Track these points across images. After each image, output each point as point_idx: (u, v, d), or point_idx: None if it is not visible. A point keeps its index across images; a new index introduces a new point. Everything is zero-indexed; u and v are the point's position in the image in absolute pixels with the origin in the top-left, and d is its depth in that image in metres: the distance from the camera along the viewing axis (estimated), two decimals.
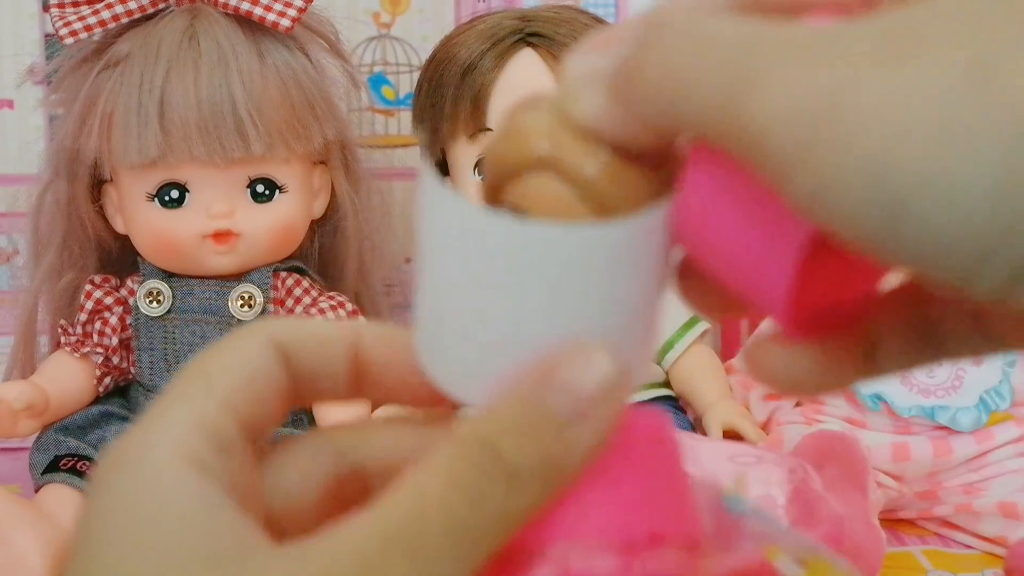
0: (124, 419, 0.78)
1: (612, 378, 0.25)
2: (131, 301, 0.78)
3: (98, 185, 0.79)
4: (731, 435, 0.78)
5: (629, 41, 0.24)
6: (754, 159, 0.21)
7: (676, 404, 0.85)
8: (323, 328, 0.29)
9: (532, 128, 0.26)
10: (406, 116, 0.91)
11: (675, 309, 0.83)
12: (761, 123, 0.20)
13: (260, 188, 0.76)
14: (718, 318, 0.25)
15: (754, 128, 0.20)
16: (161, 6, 0.76)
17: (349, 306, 0.79)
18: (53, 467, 0.74)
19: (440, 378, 0.27)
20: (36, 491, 0.74)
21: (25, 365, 0.81)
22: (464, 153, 0.82)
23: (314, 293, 0.79)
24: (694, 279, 0.27)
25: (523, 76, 0.80)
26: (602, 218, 0.25)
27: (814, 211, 0.20)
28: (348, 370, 0.29)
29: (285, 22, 0.75)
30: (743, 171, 0.22)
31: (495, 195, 0.27)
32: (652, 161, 0.26)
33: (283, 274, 0.79)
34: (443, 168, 0.84)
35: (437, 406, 0.29)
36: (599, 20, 0.84)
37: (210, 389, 0.26)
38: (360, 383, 0.29)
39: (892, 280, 0.26)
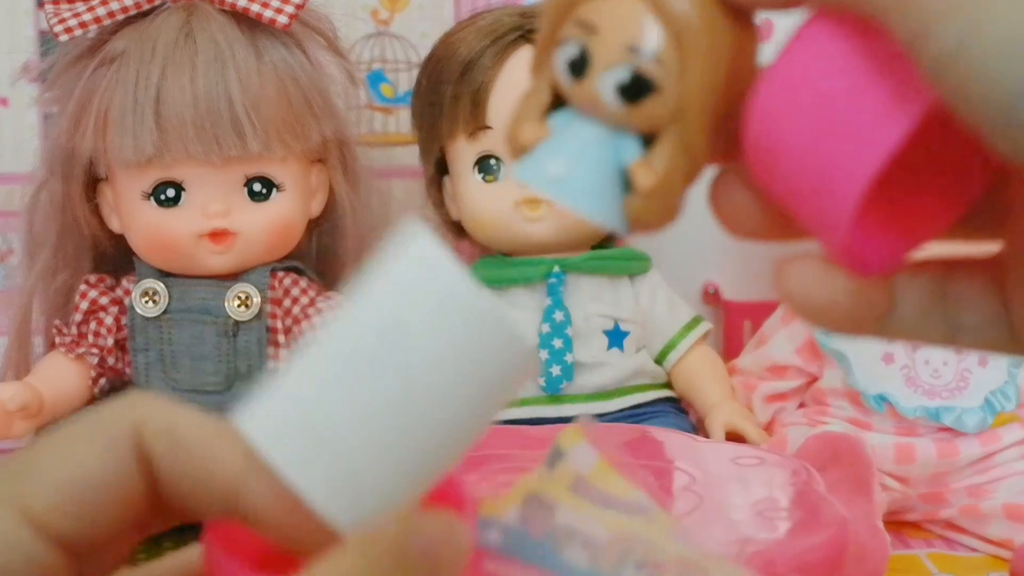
0: None
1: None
2: (126, 301, 0.78)
3: (93, 184, 0.78)
4: (734, 437, 0.78)
5: None
6: (892, 16, 0.20)
7: (678, 405, 0.84)
8: (208, 434, 0.24)
9: None
10: (405, 114, 0.90)
11: (678, 309, 0.83)
12: None
13: (257, 187, 0.76)
14: (751, 236, 0.23)
15: None
16: (157, 3, 0.76)
17: None
18: None
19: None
20: None
21: (19, 366, 0.80)
22: (464, 152, 0.81)
23: (312, 293, 0.79)
24: (736, 191, 0.27)
25: (523, 74, 0.76)
26: (680, 51, 0.25)
27: (948, 73, 0.19)
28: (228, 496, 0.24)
29: (282, 19, 0.75)
30: (867, 38, 0.22)
31: (566, 10, 0.26)
32: (746, 21, 0.26)
33: (280, 274, 0.78)
34: (443, 167, 0.84)
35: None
36: None
37: (38, 482, 0.22)
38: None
39: (925, 251, 0.25)
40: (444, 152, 0.83)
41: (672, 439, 0.72)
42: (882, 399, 0.77)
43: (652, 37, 0.25)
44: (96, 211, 0.78)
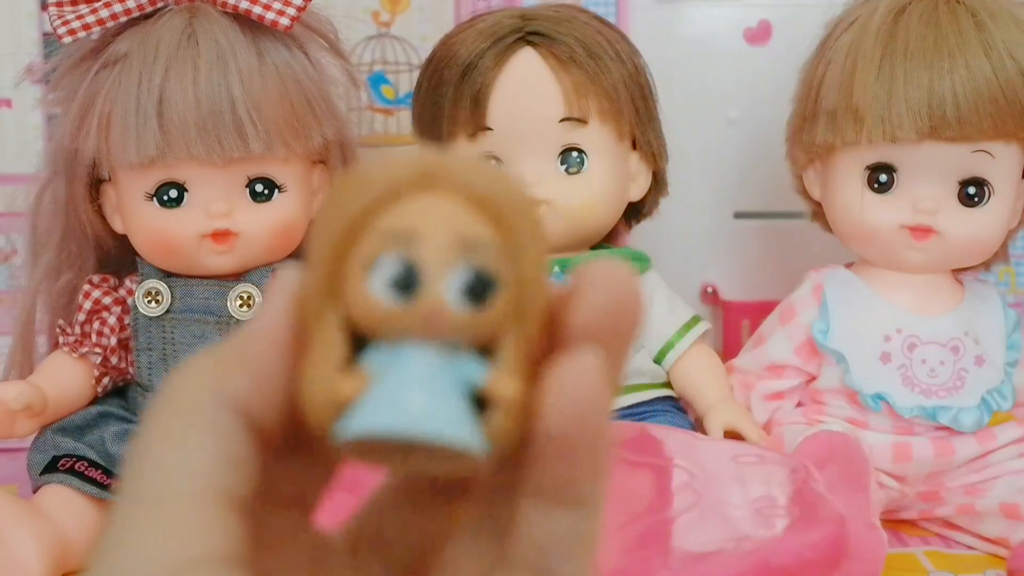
0: (122, 420, 0.77)
1: None
2: (129, 301, 0.78)
3: (96, 184, 0.78)
4: (732, 436, 0.78)
5: None
6: None
7: (677, 404, 0.84)
8: (268, 353, 0.24)
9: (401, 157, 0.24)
10: (406, 115, 0.90)
11: (677, 309, 0.83)
12: None
13: (259, 188, 0.76)
14: None
15: None
16: (160, 5, 0.76)
17: None
18: (51, 467, 0.73)
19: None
20: (34, 491, 0.74)
21: (23, 365, 0.80)
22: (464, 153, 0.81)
23: None
24: None
25: (523, 75, 0.80)
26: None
27: None
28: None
29: (284, 21, 0.75)
30: None
31: (349, 242, 0.23)
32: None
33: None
34: None
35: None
36: (600, 19, 0.84)
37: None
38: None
39: None
40: None
41: (671, 437, 0.72)
42: (879, 398, 0.77)
43: (479, 227, 0.23)
44: (99, 212, 0.79)
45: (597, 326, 0.24)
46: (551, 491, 0.24)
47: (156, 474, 0.23)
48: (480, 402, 0.24)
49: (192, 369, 0.24)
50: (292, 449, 0.25)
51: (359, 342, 0.24)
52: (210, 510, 0.23)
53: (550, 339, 0.24)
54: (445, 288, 0.23)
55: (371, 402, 0.23)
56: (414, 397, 0.23)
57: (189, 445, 0.23)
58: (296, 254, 0.80)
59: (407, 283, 0.23)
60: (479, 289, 0.23)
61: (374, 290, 0.23)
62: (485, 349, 0.24)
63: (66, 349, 0.77)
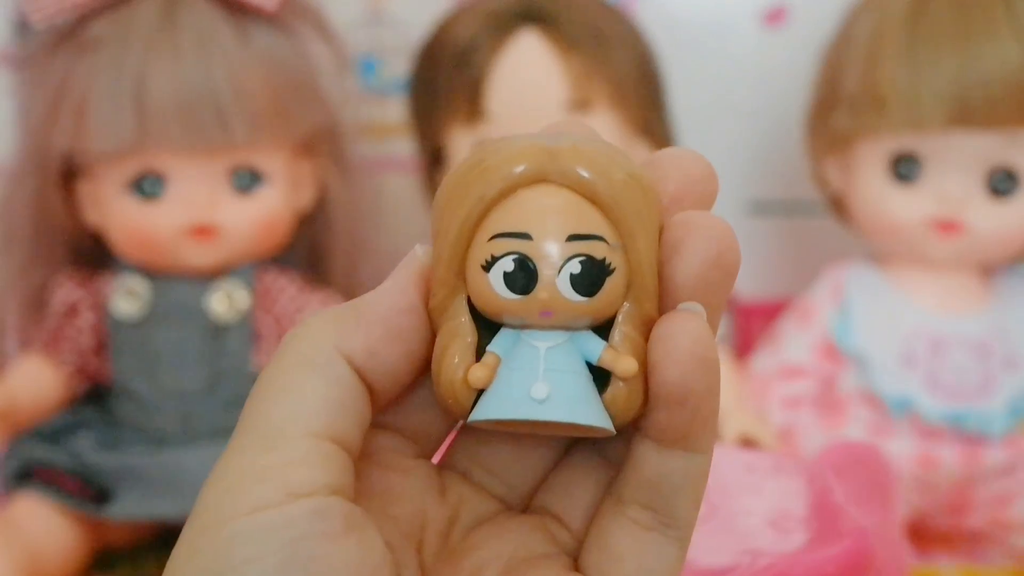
0: (100, 426, 0.75)
1: None
2: (105, 300, 0.76)
3: (71, 177, 0.76)
4: (746, 443, 0.76)
5: None
6: None
7: None
8: (385, 321, 0.27)
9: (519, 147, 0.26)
10: (399, 103, 0.89)
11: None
12: None
13: (243, 178, 0.74)
14: None
15: None
16: None
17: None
18: (27, 475, 0.73)
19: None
20: (4, 496, 0.73)
21: None
22: (461, 141, 0.79)
23: (300, 291, 0.77)
24: None
25: (524, 58, 0.78)
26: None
27: None
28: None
29: (270, 4, 0.74)
30: None
31: (469, 238, 0.26)
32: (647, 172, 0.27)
33: (266, 270, 0.77)
34: (439, 157, 0.82)
35: None
36: (603, 1, 0.82)
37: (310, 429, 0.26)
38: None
39: None
40: (441, 142, 0.81)
41: None
42: (903, 403, 0.75)
43: (587, 219, 0.25)
44: (73, 206, 0.76)
45: (696, 285, 0.26)
46: (668, 436, 0.26)
47: (272, 410, 0.26)
48: (603, 374, 0.26)
49: (314, 321, 0.27)
50: (412, 402, 0.28)
51: (489, 323, 0.26)
52: (320, 446, 0.25)
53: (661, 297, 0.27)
54: (557, 281, 0.25)
55: (498, 390, 0.26)
56: (538, 386, 0.25)
57: (305, 388, 0.26)
58: (280, 249, 0.78)
59: (522, 279, 0.25)
60: (590, 278, 0.25)
61: (493, 285, 0.25)
62: (606, 326, 0.26)
63: (38, 351, 0.76)
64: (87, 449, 0.73)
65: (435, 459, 0.29)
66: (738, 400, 0.80)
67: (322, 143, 0.78)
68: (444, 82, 0.78)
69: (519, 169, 0.25)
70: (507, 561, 0.28)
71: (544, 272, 0.25)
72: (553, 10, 0.78)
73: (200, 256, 0.74)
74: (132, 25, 0.72)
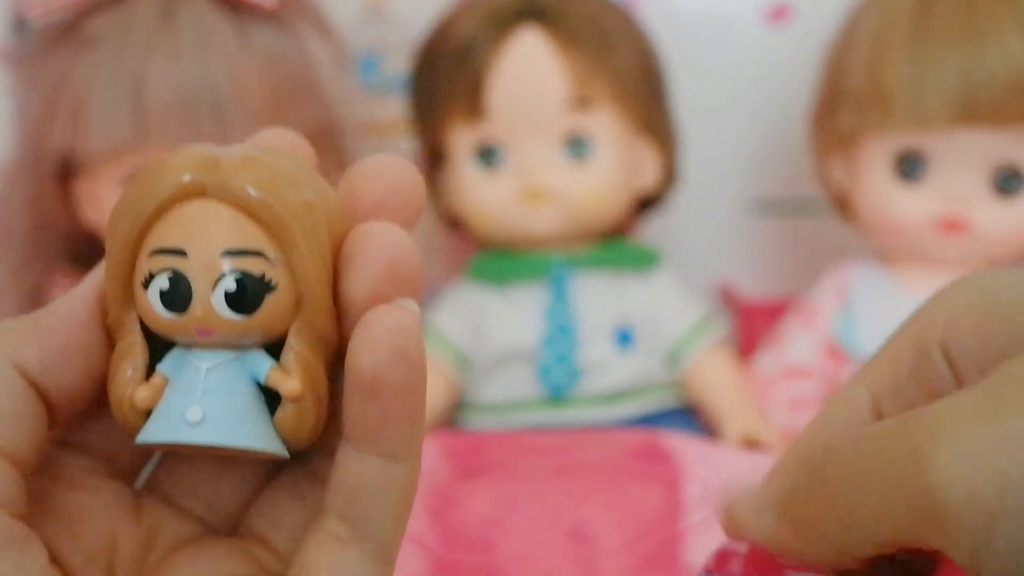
0: None
1: None
2: None
3: (68, 175, 0.75)
4: (750, 444, 0.75)
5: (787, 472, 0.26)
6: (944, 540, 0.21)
7: (690, 411, 0.81)
8: (64, 331, 0.26)
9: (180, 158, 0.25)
10: (400, 101, 0.88)
11: (690, 308, 0.79)
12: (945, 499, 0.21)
13: None
14: None
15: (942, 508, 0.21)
16: None
17: None
18: None
19: None
20: None
21: None
22: (462, 139, 0.79)
23: None
24: None
25: (524, 56, 0.77)
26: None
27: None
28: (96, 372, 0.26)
29: (269, 1, 0.73)
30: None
31: (132, 249, 0.25)
32: (326, 173, 0.27)
33: None
34: (439, 155, 0.81)
35: None
36: None
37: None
38: None
39: None
40: (441, 140, 0.80)
41: (685, 446, 0.70)
42: None
43: (245, 234, 0.25)
44: (70, 204, 0.76)
45: (368, 297, 0.25)
46: (362, 436, 0.25)
47: None
48: (274, 394, 0.25)
49: None
50: (103, 421, 0.27)
51: (164, 343, 0.26)
52: None
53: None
54: (212, 299, 0.24)
55: (159, 413, 0.25)
56: (193, 408, 0.25)
57: None
58: None
59: (178, 297, 0.24)
60: (247, 295, 0.24)
61: (152, 303, 0.25)
62: (277, 345, 0.25)
63: None
64: None
65: (138, 482, 0.29)
66: (741, 400, 0.79)
67: (322, 141, 0.76)
68: (444, 80, 0.78)
69: (175, 181, 0.25)
70: None
71: (198, 289, 0.24)
72: (554, 7, 0.77)
73: None
74: (130, 23, 0.71)
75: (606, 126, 0.78)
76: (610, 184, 0.78)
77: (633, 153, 0.80)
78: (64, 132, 0.71)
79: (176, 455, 0.28)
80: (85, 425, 0.27)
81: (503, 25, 0.76)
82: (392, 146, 0.91)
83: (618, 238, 0.83)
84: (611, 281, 0.79)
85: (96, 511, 0.27)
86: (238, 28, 0.72)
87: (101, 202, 0.74)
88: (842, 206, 0.82)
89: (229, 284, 0.24)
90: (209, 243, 0.24)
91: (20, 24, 0.82)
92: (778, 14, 0.95)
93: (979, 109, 0.71)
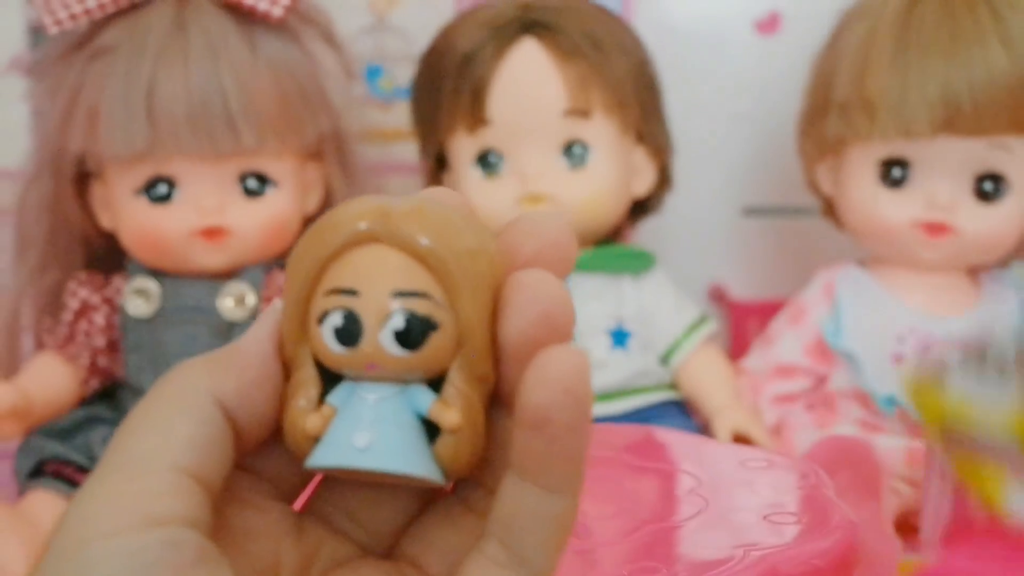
0: (110, 423, 0.76)
1: None
2: (118, 300, 0.76)
3: (84, 180, 0.77)
4: (740, 440, 0.76)
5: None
6: None
7: (683, 408, 0.82)
8: (255, 366, 0.27)
9: (356, 209, 0.27)
10: (403, 108, 0.88)
11: (683, 308, 0.81)
12: None
13: (251, 183, 0.75)
14: None
15: None
16: None
17: None
18: (38, 472, 0.72)
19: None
20: (20, 495, 0.73)
21: (8, 366, 0.79)
22: (463, 147, 0.80)
23: None
24: None
25: (524, 67, 0.78)
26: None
27: None
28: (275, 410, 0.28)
29: (277, 11, 0.74)
30: None
31: (309, 293, 0.27)
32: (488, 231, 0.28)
33: (276, 272, 0.77)
34: (441, 162, 0.82)
35: None
36: (603, 9, 0.82)
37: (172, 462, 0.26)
38: None
39: None
40: (443, 147, 0.81)
41: (677, 441, 0.71)
42: (892, 401, 0.75)
43: (413, 277, 0.26)
44: (87, 208, 0.77)
45: (523, 343, 0.26)
46: (526, 467, 0.26)
47: (138, 444, 0.26)
48: (438, 427, 0.27)
49: (185, 366, 0.27)
50: (275, 447, 0.28)
51: (335, 375, 0.27)
52: (181, 480, 0.25)
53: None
54: (381, 336, 0.26)
55: (328, 439, 0.27)
56: (360, 435, 0.26)
57: (174, 425, 0.26)
58: (289, 251, 0.77)
59: (350, 333, 0.26)
60: (413, 333, 0.26)
61: (325, 339, 0.26)
62: (439, 380, 0.27)
63: (52, 349, 0.76)
64: (99, 445, 0.73)
65: (297, 504, 0.30)
66: (732, 398, 0.80)
67: (329, 147, 0.78)
68: (446, 89, 0.78)
69: (352, 228, 0.26)
70: None
71: (369, 326, 0.26)
72: (553, 19, 0.78)
73: (210, 257, 0.74)
74: (144, 33, 0.72)
75: (603, 134, 0.79)
76: (607, 189, 0.79)
77: (628, 159, 0.81)
78: (80, 138, 0.73)
79: (337, 480, 0.29)
80: (259, 451, 0.28)
81: (503, 37, 0.77)
82: (395, 152, 0.92)
83: (612, 242, 0.84)
84: (607, 283, 0.80)
85: (263, 530, 0.28)
86: (247, 37, 0.74)
87: (115, 206, 0.75)
88: (830, 211, 0.83)
89: (397, 323, 0.26)
90: (380, 284, 0.26)
91: (37, 34, 0.83)
92: (769, 24, 0.95)
93: (962, 118, 0.72)
